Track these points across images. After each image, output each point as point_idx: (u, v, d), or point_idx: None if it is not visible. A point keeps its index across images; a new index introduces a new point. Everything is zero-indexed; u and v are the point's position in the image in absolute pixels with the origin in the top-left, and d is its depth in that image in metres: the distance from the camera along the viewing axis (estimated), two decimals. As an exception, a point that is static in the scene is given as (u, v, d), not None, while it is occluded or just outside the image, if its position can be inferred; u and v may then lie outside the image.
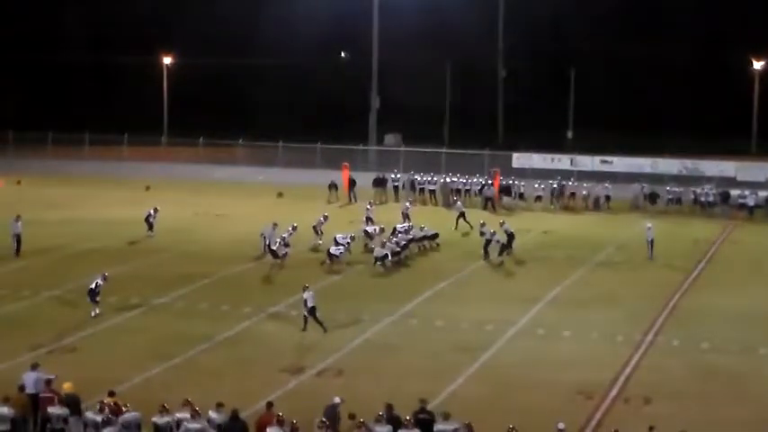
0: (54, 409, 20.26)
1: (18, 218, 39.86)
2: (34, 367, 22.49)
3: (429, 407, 20.91)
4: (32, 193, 57.04)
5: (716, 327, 30.49)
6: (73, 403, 20.50)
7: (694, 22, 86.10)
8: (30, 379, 21.95)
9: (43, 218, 47.25)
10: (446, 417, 20.12)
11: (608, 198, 53.89)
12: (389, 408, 20.35)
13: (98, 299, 30.78)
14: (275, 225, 39.83)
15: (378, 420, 19.66)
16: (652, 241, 40.67)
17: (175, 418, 19.86)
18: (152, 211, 44.40)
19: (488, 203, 53.30)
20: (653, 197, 53.38)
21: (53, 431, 20.12)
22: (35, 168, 66.76)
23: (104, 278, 31.32)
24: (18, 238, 39.32)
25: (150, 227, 43.67)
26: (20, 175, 62.83)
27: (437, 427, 19.93)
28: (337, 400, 20.83)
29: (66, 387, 21.05)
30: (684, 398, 24.30)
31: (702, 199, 53.42)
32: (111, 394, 20.92)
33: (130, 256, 39.34)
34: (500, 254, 39.82)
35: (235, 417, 19.87)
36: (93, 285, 30.79)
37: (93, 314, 30.63)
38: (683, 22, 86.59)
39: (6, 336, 28.57)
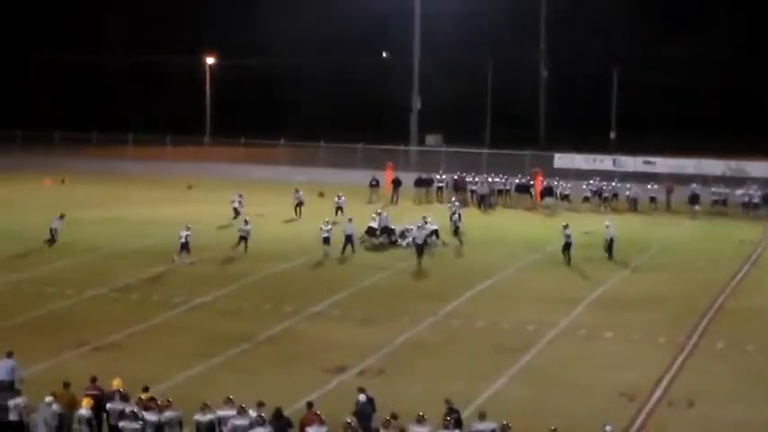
0: (114, 405, 20.44)
1: (62, 216, 41.27)
2: (10, 355, 22.46)
3: (471, 408, 20.82)
4: (77, 191, 57.71)
5: (761, 329, 30.14)
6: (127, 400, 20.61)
7: (738, 20, 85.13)
8: (6, 367, 22.02)
9: (87, 216, 47.77)
10: (482, 416, 20.01)
11: (653, 199, 53.49)
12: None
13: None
14: (350, 220, 41.31)
15: (419, 420, 19.60)
16: (611, 240, 40.21)
17: (217, 416, 19.97)
18: (237, 198, 47.99)
19: (482, 203, 53.33)
20: (693, 199, 52.53)
21: (110, 427, 20.32)
22: (80, 167, 67.58)
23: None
24: (54, 233, 40.56)
25: (237, 213, 46.81)
26: (65, 173, 63.68)
27: (474, 426, 19.85)
28: (363, 397, 20.84)
29: (116, 384, 21.14)
30: (729, 401, 24.01)
31: (747, 200, 52.83)
32: (146, 390, 21.05)
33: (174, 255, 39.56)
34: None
35: (278, 415, 19.89)
36: (54, 226, 40.40)
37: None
38: (727, 21, 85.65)
39: (52, 333, 28.88)
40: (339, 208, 48.04)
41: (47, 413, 19.98)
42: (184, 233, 38.26)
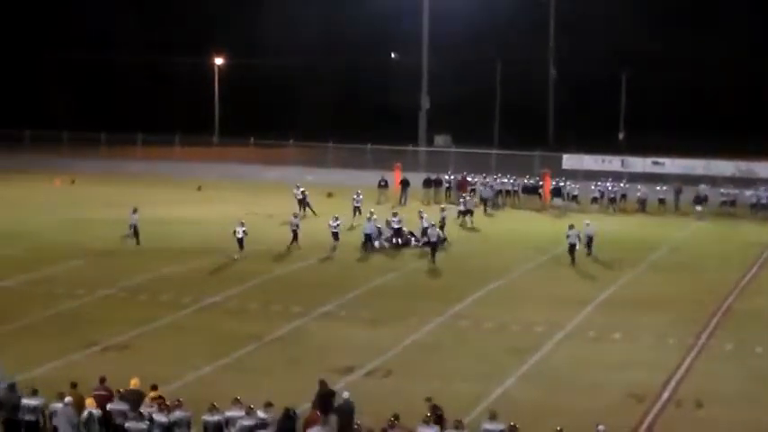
0: (114, 405, 20.48)
1: (135, 210, 42.24)
2: None
3: (479, 409, 20.82)
4: (87, 192, 57.84)
5: (770, 331, 30.07)
6: (134, 400, 20.65)
7: (750, 21, 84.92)
8: None
9: (97, 217, 47.89)
10: (493, 416, 20.00)
11: (662, 201, 53.36)
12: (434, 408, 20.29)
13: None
14: (369, 219, 41.70)
15: (425, 422, 19.60)
16: (590, 238, 40.30)
17: (225, 417, 20.01)
18: (299, 191, 49.13)
19: (485, 205, 52.87)
20: (697, 200, 52.27)
21: (115, 427, 20.32)
22: (89, 168, 67.76)
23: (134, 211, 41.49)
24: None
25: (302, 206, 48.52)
26: (74, 174, 63.86)
27: (484, 426, 19.85)
28: (346, 394, 20.90)
29: (133, 384, 21.19)
30: (738, 402, 23.98)
31: (755, 201, 52.72)
32: (154, 388, 21.10)
33: (183, 256, 39.66)
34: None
35: (287, 416, 19.92)
36: (132, 222, 41.15)
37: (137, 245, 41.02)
38: (738, 22, 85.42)
39: (61, 334, 28.93)
40: (357, 208, 47.91)
41: (69, 412, 20.04)
42: (240, 229, 39.05)
